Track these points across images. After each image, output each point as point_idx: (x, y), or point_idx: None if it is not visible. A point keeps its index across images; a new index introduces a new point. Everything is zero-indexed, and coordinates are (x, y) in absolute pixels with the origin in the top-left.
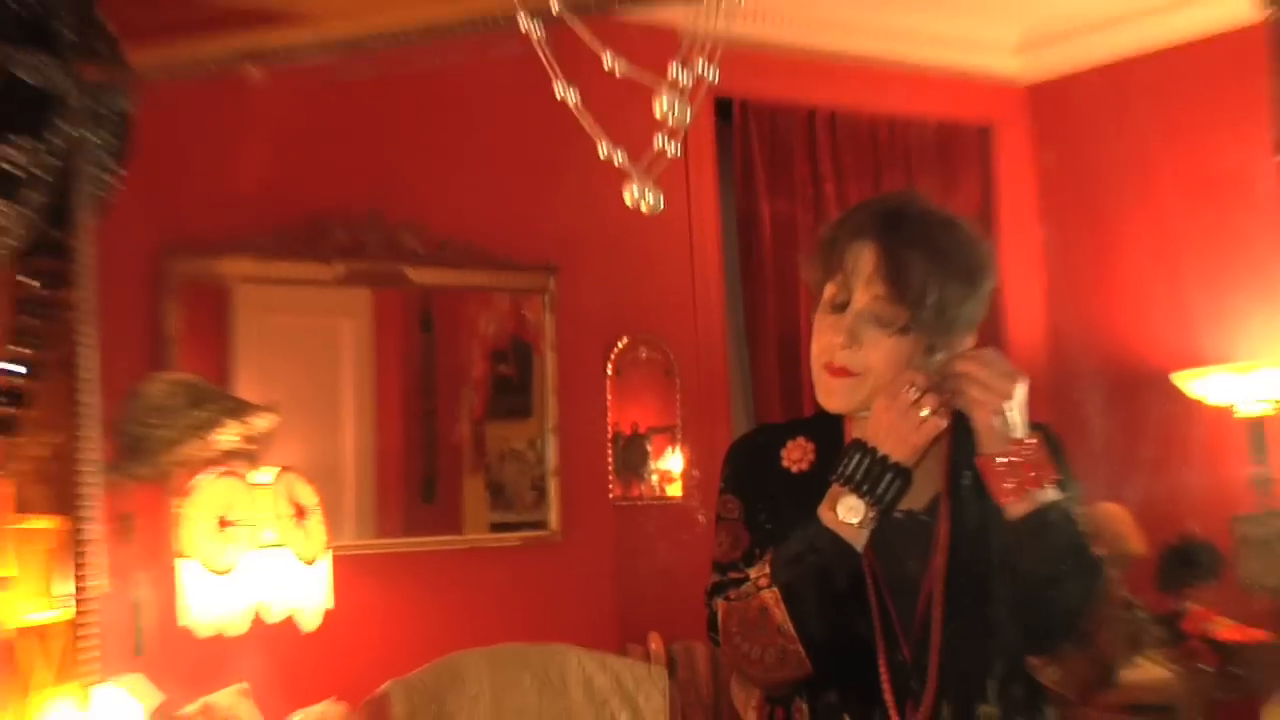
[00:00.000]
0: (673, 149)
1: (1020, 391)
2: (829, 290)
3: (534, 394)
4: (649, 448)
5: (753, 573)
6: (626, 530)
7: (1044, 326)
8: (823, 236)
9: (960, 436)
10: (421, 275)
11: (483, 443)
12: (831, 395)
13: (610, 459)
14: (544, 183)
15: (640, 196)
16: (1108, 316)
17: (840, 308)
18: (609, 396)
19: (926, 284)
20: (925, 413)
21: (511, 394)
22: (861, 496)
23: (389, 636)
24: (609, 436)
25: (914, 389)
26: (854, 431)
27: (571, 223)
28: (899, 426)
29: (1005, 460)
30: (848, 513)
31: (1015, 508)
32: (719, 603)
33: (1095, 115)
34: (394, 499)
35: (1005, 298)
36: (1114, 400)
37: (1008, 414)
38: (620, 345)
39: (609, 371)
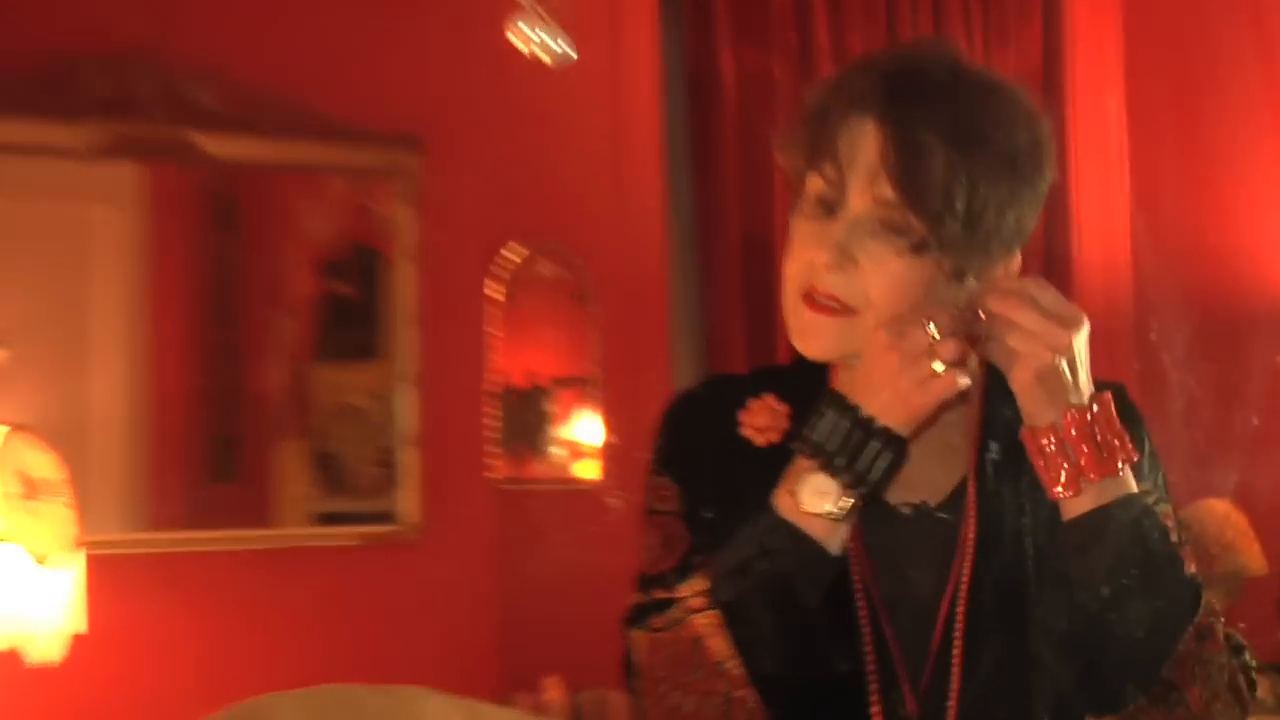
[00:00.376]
0: None
1: (1079, 339)
2: (813, 185)
3: (383, 325)
4: (551, 407)
5: (683, 589)
6: (515, 527)
7: (1125, 243)
8: (807, 107)
9: (996, 401)
10: (219, 146)
11: (306, 395)
12: (812, 335)
13: (494, 423)
14: (404, 18)
15: (539, 41)
16: (1216, 229)
17: (829, 211)
18: (494, 331)
19: (953, 182)
20: (939, 366)
21: (351, 324)
22: (835, 474)
23: (166, 673)
24: (493, 390)
25: (931, 328)
26: (845, 384)
27: (444, 77)
28: (898, 380)
29: (1058, 437)
30: (814, 498)
31: (1073, 503)
32: (637, 634)
33: None
34: (174, 475)
35: (1072, 202)
36: (1222, 350)
37: (1061, 371)
38: (512, 257)
39: (493, 294)
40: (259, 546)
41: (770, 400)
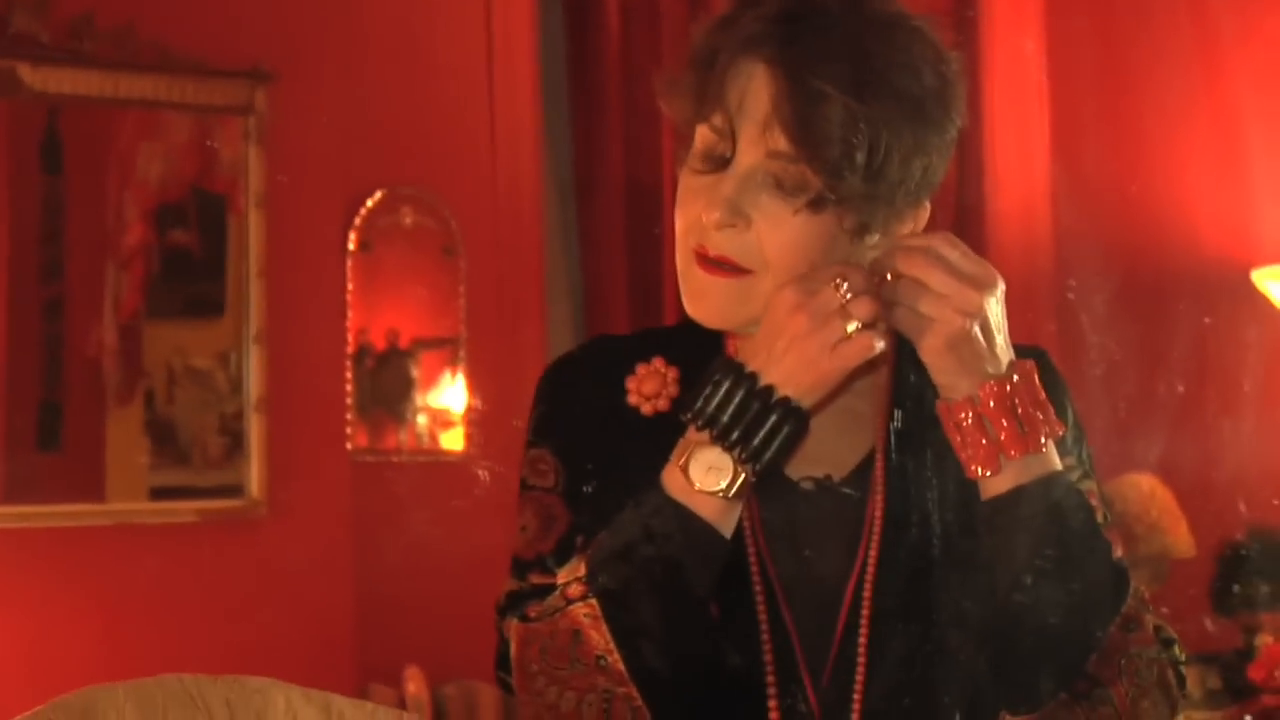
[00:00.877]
0: None
1: (994, 302)
2: (702, 136)
3: (228, 279)
4: (414, 372)
5: (561, 575)
6: (373, 502)
7: (1044, 193)
8: (693, 50)
9: (906, 367)
10: (45, 79)
11: (139, 356)
12: (705, 299)
13: (350, 388)
14: None
15: None
16: (1141, 180)
17: (719, 164)
18: (350, 286)
19: (852, 132)
20: (853, 326)
21: (190, 278)
22: (729, 449)
23: None
24: (350, 352)
25: (843, 286)
26: (741, 348)
27: (295, 3)
28: (806, 343)
29: (975, 411)
30: (707, 475)
31: (991, 482)
32: (512, 624)
33: None
34: None
35: (986, 149)
36: (1149, 313)
37: (974, 337)
38: (371, 204)
39: (350, 246)
40: (89, 523)
41: (659, 364)
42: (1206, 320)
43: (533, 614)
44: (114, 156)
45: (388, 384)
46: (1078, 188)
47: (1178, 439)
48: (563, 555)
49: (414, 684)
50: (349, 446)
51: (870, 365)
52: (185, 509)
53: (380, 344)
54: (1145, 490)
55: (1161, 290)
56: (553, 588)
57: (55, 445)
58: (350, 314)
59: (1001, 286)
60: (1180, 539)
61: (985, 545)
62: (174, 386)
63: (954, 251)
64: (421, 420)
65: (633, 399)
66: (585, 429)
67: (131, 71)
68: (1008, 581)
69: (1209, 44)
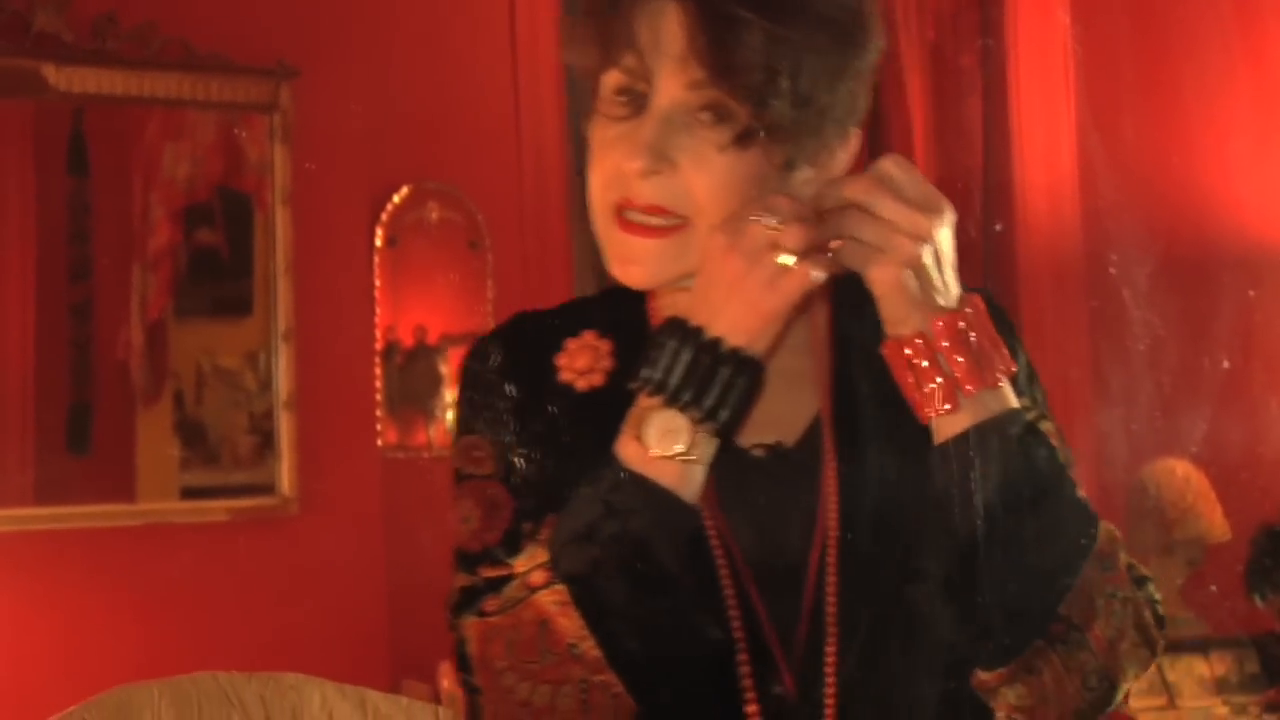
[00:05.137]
0: None
1: (944, 229)
2: (613, 79)
3: (255, 278)
4: (443, 368)
5: (519, 564)
6: (405, 498)
7: (1072, 173)
8: None
9: (845, 317)
10: (69, 79)
11: (167, 357)
12: (634, 262)
13: (380, 385)
14: None
15: None
16: (1180, 153)
17: (636, 106)
18: (378, 282)
19: (776, 57)
20: (788, 259)
21: (218, 277)
22: (683, 409)
23: (20, 663)
24: (378, 348)
25: (770, 219)
26: (669, 310)
27: None
28: (744, 284)
29: (929, 346)
30: (664, 439)
31: (948, 422)
32: (468, 621)
33: None
34: (21, 446)
35: (1014, 127)
36: (1182, 291)
37: (926, 265)
38: (397, 199)
39: (378, 242)
40: (120, 524)
41: (590, 337)
42: (1250, 293)
43: (490, 609)
44: (139, 156)
45: (417, 380)
46: (1115, 163)
47: (1218, 417)
48: (511, 544)
49: (448, 679)
50: (379, 443)
51: (806, 316)
52: (216, 508)
53: (409, 340)
54: (1180, 475)
55: (1202, 266)
56: (507, 580)
57: (85, 447)
58: (378, 310)
59: (952, 215)
60: (1215, 523)
61: (945, 491)
62: (203, 387)
63: (902, 174)
64: (451, 416)
65: (565, 376)
66: (518, 410)
67: (155, 70)
68: (971, 525)
69: (1248, 14)
